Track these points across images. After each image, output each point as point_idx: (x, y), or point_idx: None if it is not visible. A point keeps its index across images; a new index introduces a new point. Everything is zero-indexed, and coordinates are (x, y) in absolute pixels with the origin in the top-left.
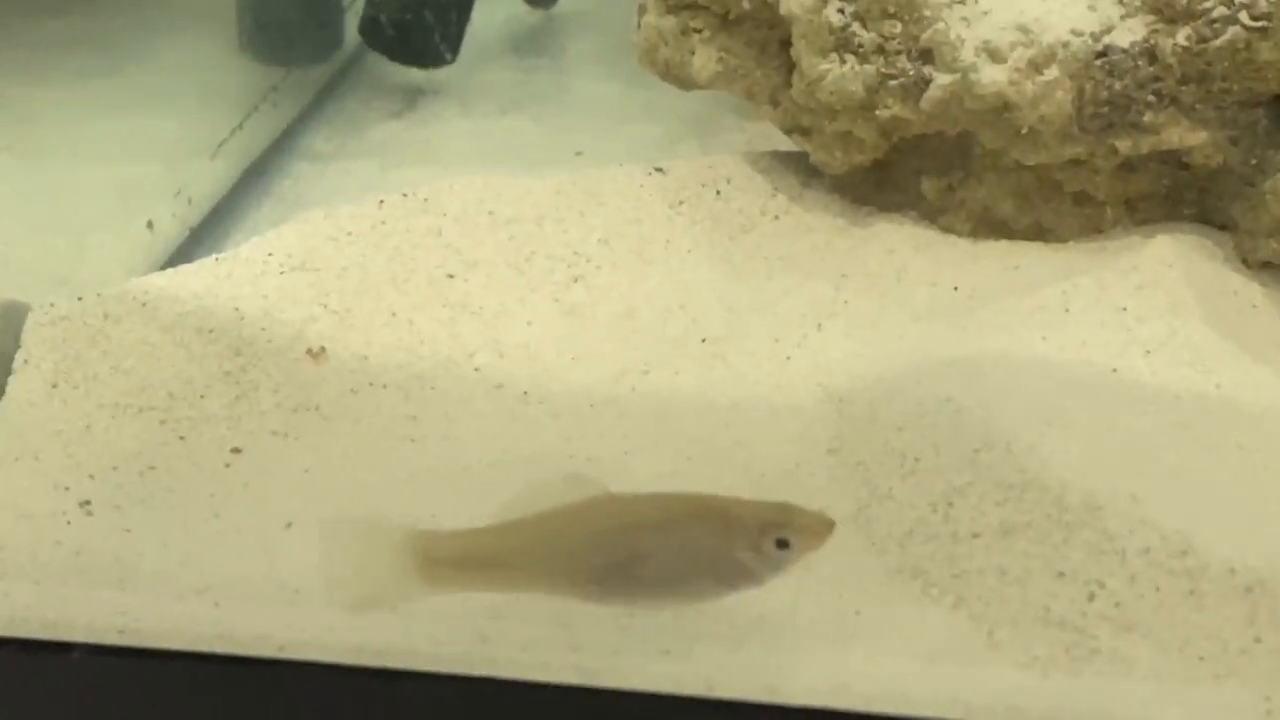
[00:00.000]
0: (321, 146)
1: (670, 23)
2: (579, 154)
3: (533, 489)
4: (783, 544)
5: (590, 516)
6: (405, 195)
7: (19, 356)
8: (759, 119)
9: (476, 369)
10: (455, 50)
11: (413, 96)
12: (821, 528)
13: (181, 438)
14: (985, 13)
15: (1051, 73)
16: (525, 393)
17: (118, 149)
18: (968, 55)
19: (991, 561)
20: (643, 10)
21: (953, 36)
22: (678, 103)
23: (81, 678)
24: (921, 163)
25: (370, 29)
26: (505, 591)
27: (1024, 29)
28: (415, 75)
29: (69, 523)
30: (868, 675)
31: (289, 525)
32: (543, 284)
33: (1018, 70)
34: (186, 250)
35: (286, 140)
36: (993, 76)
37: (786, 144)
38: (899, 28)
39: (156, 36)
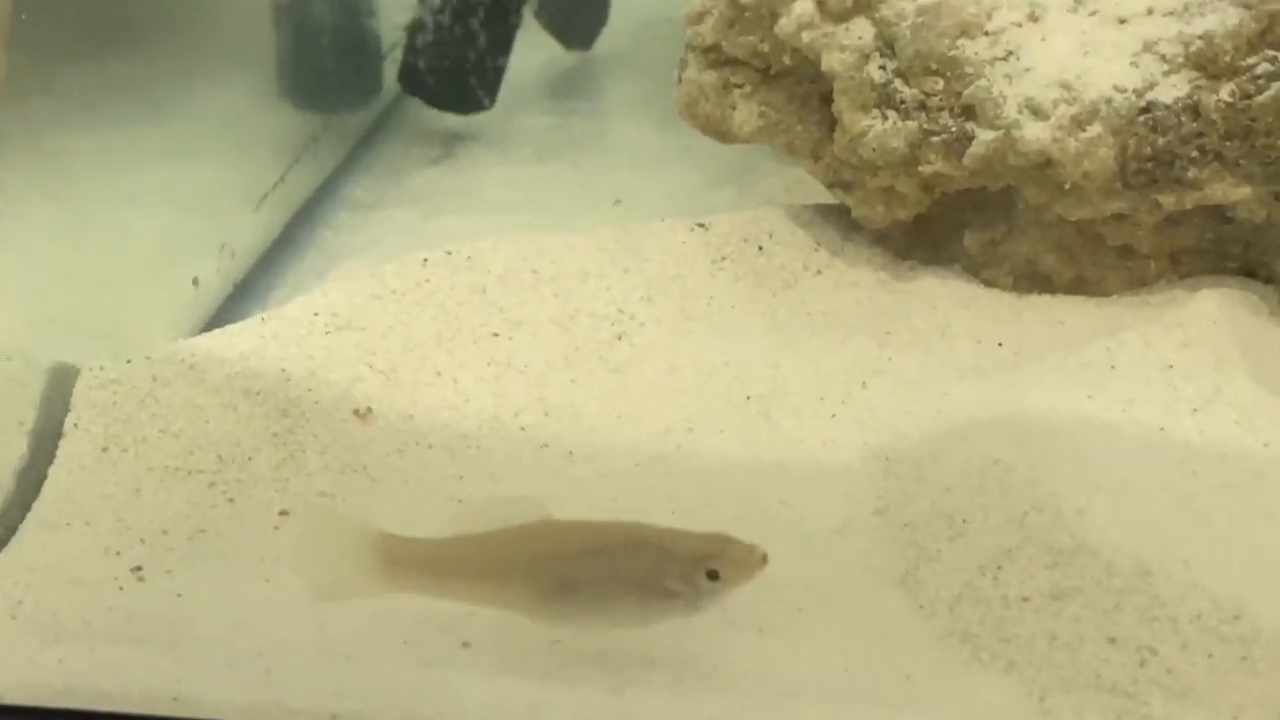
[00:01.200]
0: (362, 195)
1: (711, 78)
2: (618, 202)
3: (480, 507)
4: (713, 575)
5: (534, 539)
6: (449, 253)
7: (69, 420)
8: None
9: (522, 428)
10: (493, 96)
11: (451, 142)
12: (753, 561)
13: (231, 500)
14: (1027, 69)
15: (1095, 129)
16: (571, 452)
17: (161, 199)
18: (1010, 112)
19: (1042, 626)
20: (683, 65)
21: (995, 93)
22: (715, 148)
23: None
24: (963, 216)
25: (409, 75)
26: (458, 601)
27: (1067, 86)
28: (453, 121)
29: (121, 588)
30: None
31: None
32: (587, 342)
33: (1061, 127)
34: (231, 305)
35: (327, 189)
36: (1036, 133)
37: (824, 190)
38: (941, 84)
39: (194, 82)
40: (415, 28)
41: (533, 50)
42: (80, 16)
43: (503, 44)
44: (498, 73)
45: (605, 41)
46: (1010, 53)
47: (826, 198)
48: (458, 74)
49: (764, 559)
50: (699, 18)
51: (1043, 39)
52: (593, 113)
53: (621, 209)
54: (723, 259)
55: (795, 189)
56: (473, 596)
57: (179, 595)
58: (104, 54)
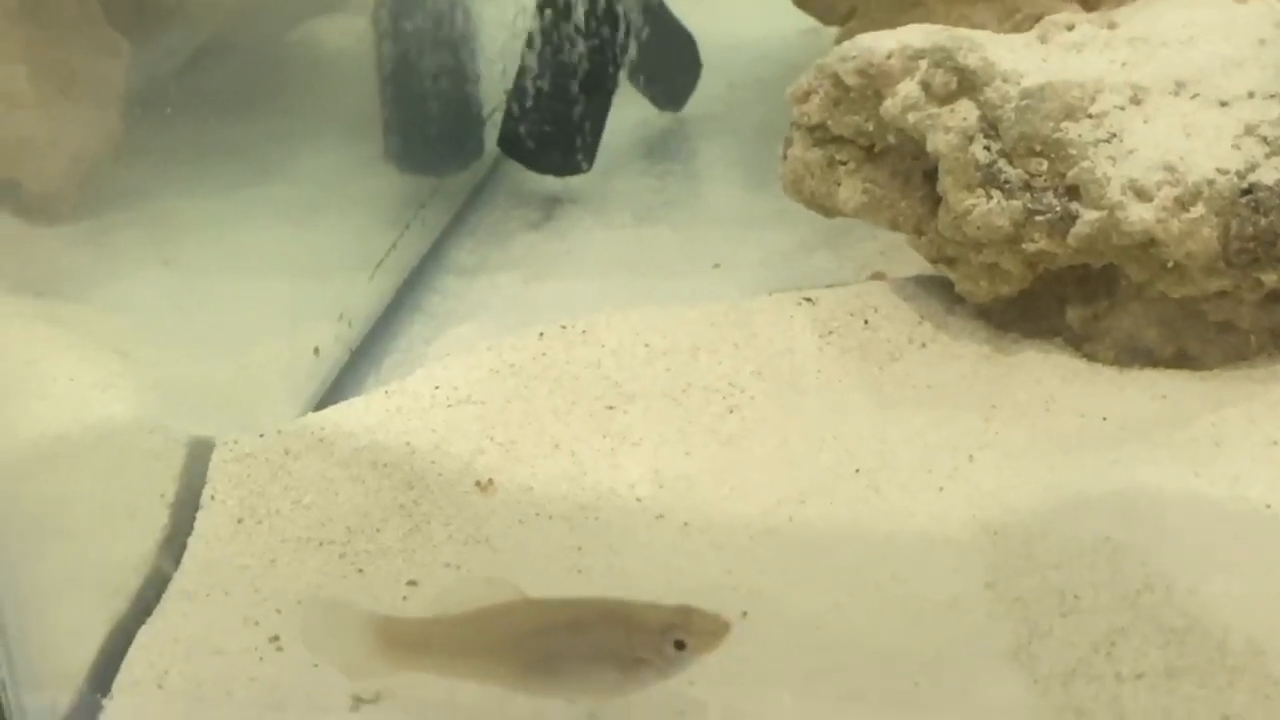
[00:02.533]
0: (466, 259)
1: (816, 155)
2: (717, 266)
3: (459, 587)
4: (680, 645)
5: (513, 617)
6: (564, 327)
7: (206, 492)
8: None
9: (638, 499)
10: (591, 159)
11: (550, 206)
12: (717, 630)
13: (360, 570)
14: (1130, 151)
15: (1198, 210)
16: (686, 524)
17: (277, 265)
18: (1114, 193)
19: (1157, 703)
20: (788, 143)
21: (1099, 174)
22: (807, 211)
23: None
24: (1065, 291)
25: (510, 139)
26: (452, 678)
27: (1170, 168)
28: (552, 184)
29: (261, 659)
30: None
31: None
32: (699, 415)
33: (1164, 208)
34: (347, 373)
35: (434, 254)
36: (1140, 214)
37: (919, 254)
38: (1045, 165)
39: (300, 145)
40: (515, 92)
41: (626, 111)
42: (187, 80)
43: (601, 108)
44: (596, 136)
45: (696, 103)
46: (1114, 135)
47: (922, 263)
48: (557, 138)
49: (727, 627)
50: (805, 96)
51: (1145, 122)
52: (687, 175)
53: (721, 273)
54: (830, 333)
55: (890, 253)
56: (465, 674)
57: (315, 665)
58: (211, 117)
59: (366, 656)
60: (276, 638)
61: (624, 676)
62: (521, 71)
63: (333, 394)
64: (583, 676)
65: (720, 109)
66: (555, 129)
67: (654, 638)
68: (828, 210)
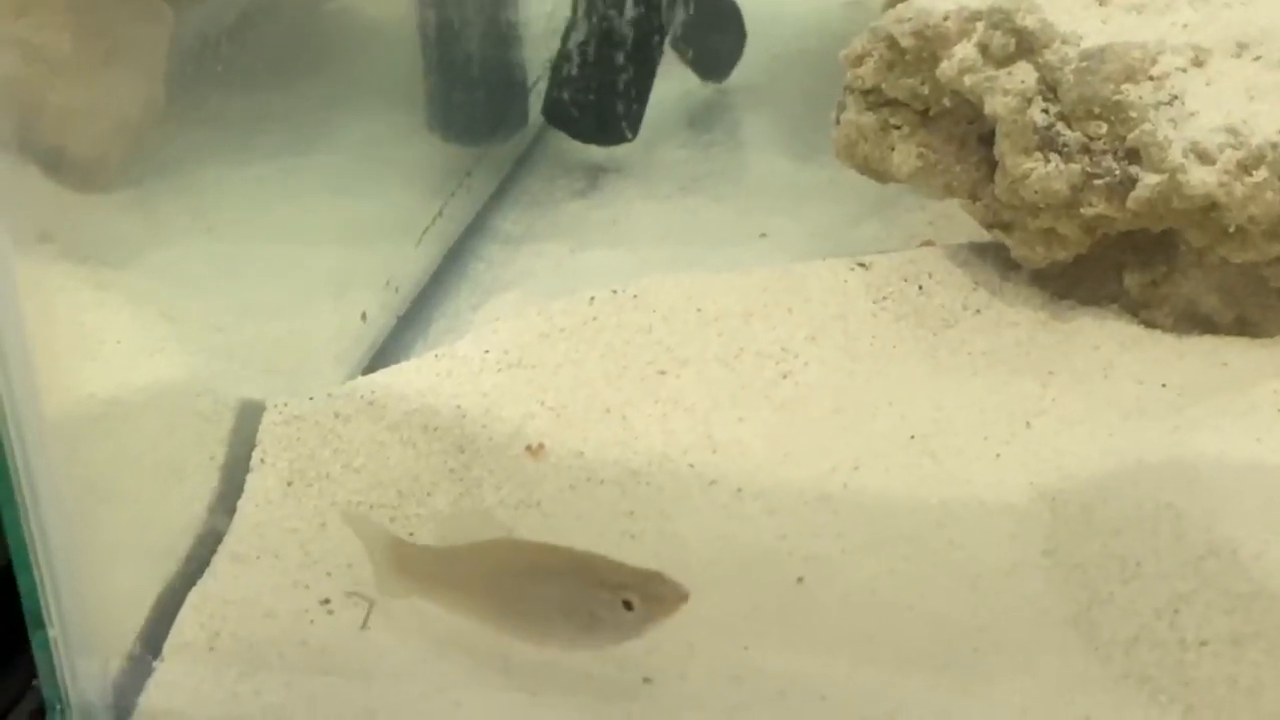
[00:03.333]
0: (511, 228)
1: (870, 119)
2: (763, 236)
3: (452, 520)
4: (628, 605)
5: (491, 555)
6: (615, 291)
7: (255, 455)
8: (939, 198)
9: (691, 465)
10: (635, 128)
11: (595, 175)
12: (673, 599)
13: (411, 535)
14: (1192, 114)
15: (1260, 174)
16: (739, 489)
17: (323, 233)
18: (1176, 156)
19: (1222, 670)
20: (841, 108)
21: (1160, 137)
22: (856, 182)
23: None
24: (1123, 257)
25: (554, 108)
26: (447, 608)
27: (1233, 130)
28: (596, 153)
29: (312, 621)
30: None
31: None
32: (752, 380)
33: (1227, 172)
34: (394, 339)
35: (479, 222)
36: (1202, 178)
37: (970, 225)
38: (1105, 128)
39: (342, 114)
40: (560, 61)
41: (670, 82)
42: (230, 47)
43: (645, 77)
44: (640, 105)
45: (739, 74)
46: (1175, 97)
47: (970, 233)
48: (602, 106)
49: (684, 597)
50: (859, 60)
51: (1207, 84)
52: (732, 145)
53: (767, 243)
54: (883, 298)
55: (938, 223)
56: (454, 606)
57: (366, 629)
58: (254, 85)
59: (386, 577)
60: (327, 600)
61: (580, 630)
62: (566, 40)
63: (379, 360)
64: (545, 623)
65: (763, 80)
66: (600, 98)
67: (607, 595)
68: (881, 175)
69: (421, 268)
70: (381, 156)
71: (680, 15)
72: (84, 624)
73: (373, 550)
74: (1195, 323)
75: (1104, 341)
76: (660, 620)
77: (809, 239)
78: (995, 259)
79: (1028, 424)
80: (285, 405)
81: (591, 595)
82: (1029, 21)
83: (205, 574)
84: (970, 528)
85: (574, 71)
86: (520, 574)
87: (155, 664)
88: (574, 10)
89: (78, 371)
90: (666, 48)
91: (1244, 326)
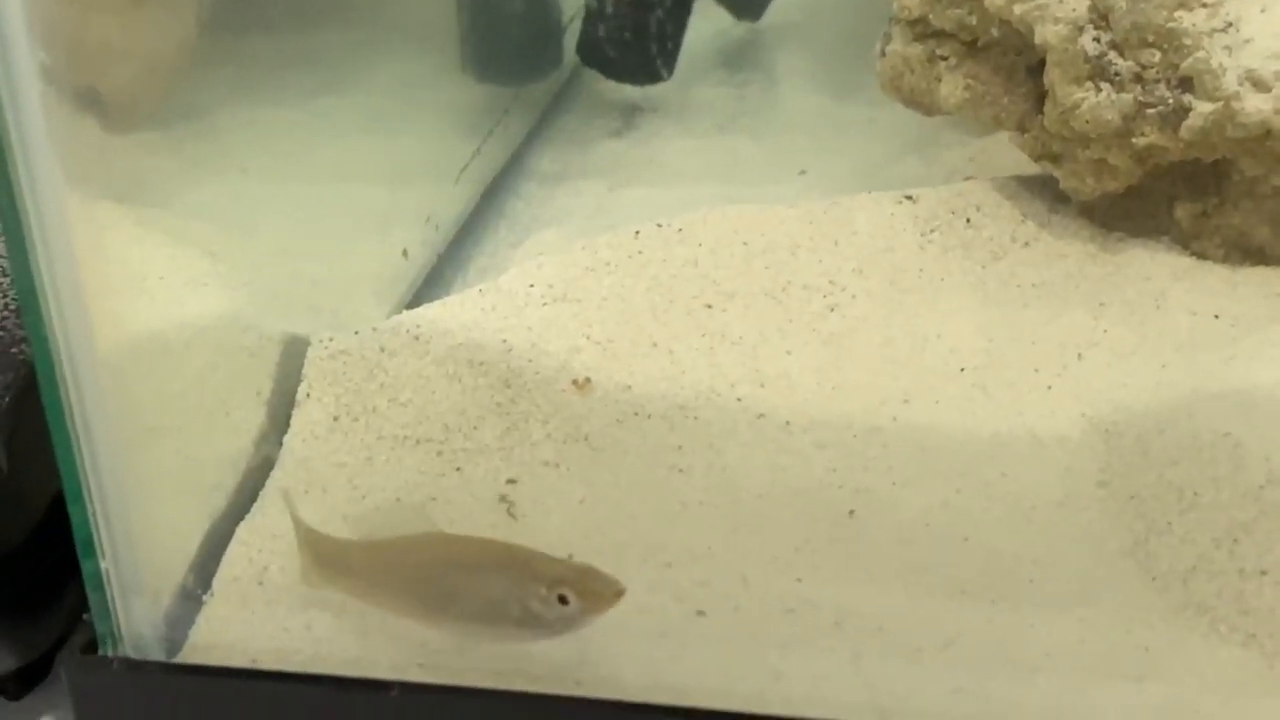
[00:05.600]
0: (548, 167)
1: (917, 50)
2: (803, 173)
3: (374, 513)
4: (563, 600)
5: (419, 550)
6: (660, 225)
7: (301, 390)
8: (980, 135)
9: (738, 399)
10: (671, 67)
11: (631, 114)
12: (609, 595)
13: (458, 469)
14: (1247, 41)
15: None
16: (788, 423)
17: (362, 172)
18: (1230, 84)
19: None
20: (887, 39)
21: (1214, 65)
22: (893, 118)
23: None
24: (1174, 188)
25: (589, 48)
26: (367, 602)
27: None
28: (631, 92)
29: None
30: (1164, 711)
31: (570, 557)
32: (800, 314)
33: None
34: (434, 275)
35: (516, 161)
36: (1257, 105)
37: (1014, 159)
38: (1158, 56)
39: (373, 54)
40: (595, 0)
41: (704, 22)
42: None
43: (680, 16)
44: (676, 44)
45: (774, 12)
46: (1229, 24)
47: (1012, 168)
48: (637, 46)
49: (620, 592)
50: None
51: (1262, 10)
52: (768, 84)
53: (806, 180)
54: (931, 231)
55: (979, 159)
56: (377, 600)
57: None
58: (286, 26)
59: (305, 568)
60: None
61: (514, 624)
62: None
63: (421, 296)
64: (477, 618)
65: (799, 18)
66: (635, 37)
67: (543, 589)
68: (928, 108)
69: (461, 206)
70: (415, 98)
71: None
72: (135, 557)
73: (298, 540)
74: (1247, 254)
75: (1155, 273)
76: (596, 615)
77: (849, 176)
78: (1043, 191)
79: (1079, 355)
80: (330, 340)
81: (526, 589)
82: None
83: (253, 509)
84: (1023, 460)
85: (609, 10)
86: (452, 568)
87: (205, 598)
88: None
89: (125, 307)
90: None
91: None
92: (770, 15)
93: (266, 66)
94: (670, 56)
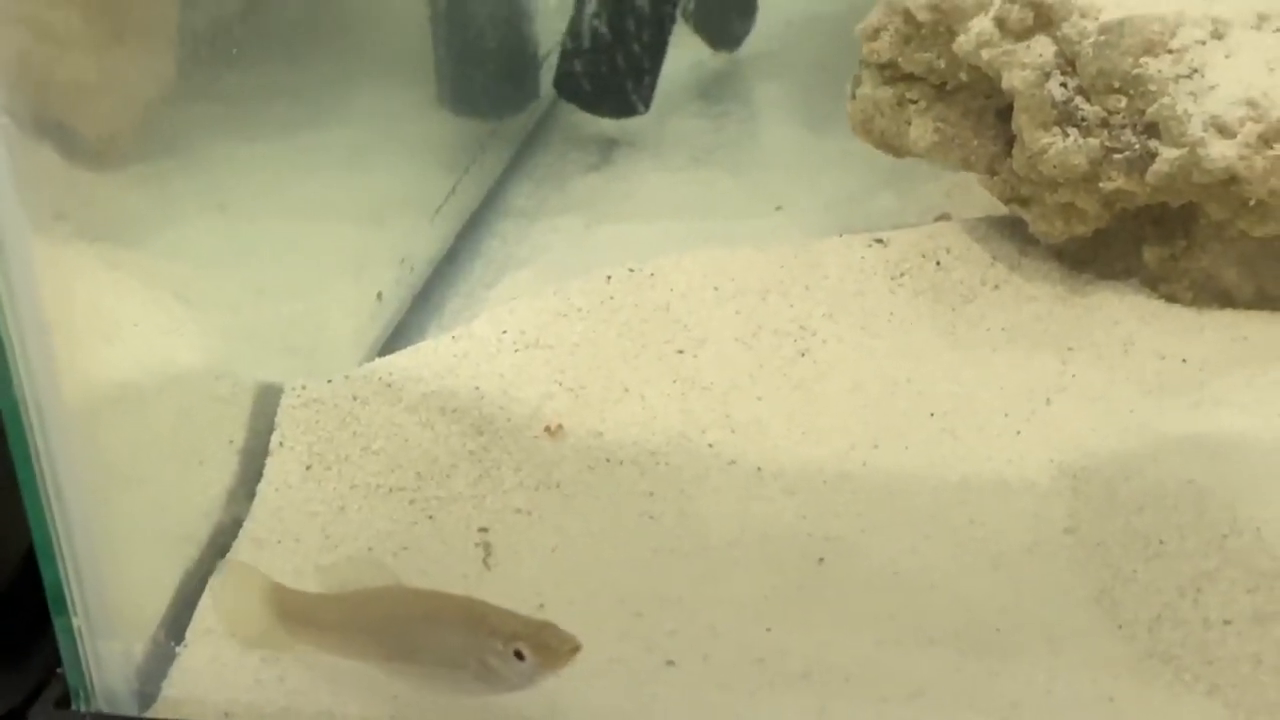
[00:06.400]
0: (524, 203)
1: (887, 94)
2: (779, 208)
3: (337, 567)
4: (519, 656)
5: (381, 603)
6: (631, 270)
7: (274, 438)
8: (954, 169)
9: (710, 444)
10: (648, 100)
11: (608, 148)
12: (565, 651)
13: (431, 517)
14: (1212, 87)
15: None
16: (759, 469)
17: (333, 209)
18: (1195, 130)
19: (1246, 650)
20: (857, 82)
21: (1179, 111)
22: (870, 152)
23: None
24: (1142, 231)
25: (566, 81)
26: (336, 655)
27: (1253, 104)
28: (608, 125)
29: None
30: None
31: (541, 606)
32: (771, 359)
33: (1247, 145)
34: (409, 317)
35: (492, 198)
36: (1222, 151)
37: (985, 195)
38: (1124, 102)
39: (353, 88)
40: (571, 33)
41: (681, 52)
42: (238, 21)
43: (657, 49)
44: (653, 77)
45: (751, 41)
46: (1194, 70)
47: (987, 203)
48: (614, 79)
49: (576, 648)
50: (874, 34)
51: (1226, 57)
52: (745, 116)
53: (783, 215)
54: (901, 274)
55: (954, 194)
56: (346, 652)
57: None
58: (263, 58)
59: (267, 627)
60: None
61: (473, 677)
62: (577, 11)
63: (395, 339)
64: (437, 670)
65: (776, 48)
66: (611, 70)
67: (500, 645)
68: (898, 150)
69: (436, 245)
70: (392, 132)
71: None
72: (106, 610)
73: (251, 597)
74: (1214, 296)
75: (1124, 316)
76: (551, 671)
77: (824, 211)
78: (1013, 233)
79: (1048, 400)
80: (303, 388)
81: (484, 644)
82: None
83: (227, 559)
84: (991, 505)
85: (585, 44)
86: (411, 621)
87: (179, 650)
88: None
89: (95, 354)
90: (678, 18)
91: (1264, 300)
92: (747, 45)
93: (243, 100)
94: (647, 89)
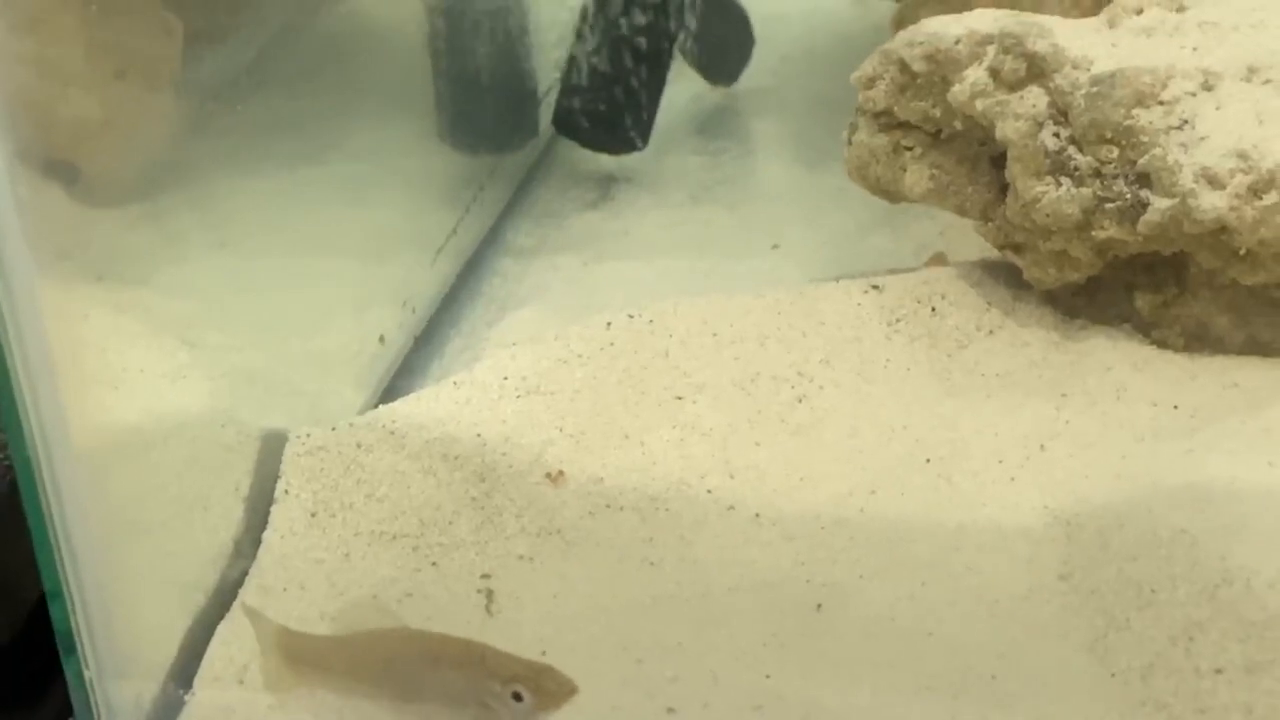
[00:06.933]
0: (524, 241)
1: (882, 141)
2: (776, 247)
3: (345, 609)
4: (517, 697)
5: (386, 644)
6: (631, 316)
7: (279, 486)
8: None
9: (709, 490)
10: (646, 137)
11: (606, 185)
12: (561, 692)
13: (434, 564)
14: (1202, 138)
15: (1271, 197)
16: (757, 515)
17: (336, 249)
18: (1186, 181)
19: (1237, 699)
20: (853, 129)
21: (1171, 161)
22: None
23: None
24: (1134, 278)
25: (564, 118)
26: (340, 696)
27: (1243, 155)
28: (606, 162)
29: None
30: None
31: (543, 653)
32: (768, 405)
33: (1237, 196)
34: (411, 359)
35: (492, 236)
36: (1213, 202)
37: (978, 235)
38: (1115, 152)
39: (354, 122)
40: (570, 70)
41: (678, 86)
42: (241, 57)
43: (655, 86)
44: (650, 114)
45: (748, 76)
46: (1185, 122)
47: (982, 243)
48: (612, 116)
49: (573, 691)
50: (870, 83)
51: (1217, 108)
52: (742, 152)
53: (780, 254)
54: (897, 320)
55: (949, 233)
56: (353, 693)
57: None
58: (265, 95)
59: (275, 669)
60: None
61: (473, 718)
62: (575, 48)
63: (398, 381)
64: (439, 711)
65: (772, 82)
66: (610, 107)
67: (498, 686)
68: (893, 196)
69: (437, 285)
70: (392, 167)
71: (689, 21)
72: (116, 656)
73: (262, 641)
74: (1206, 343)
75: (1116, 362)
76: (549, 713)
77: (821, 249)
78: (1007, 278)
79: (1042, 447)
80: (308, 436)
81: (482, 686)
82: (1040, 46)
83: (233, 606)
84: (986, 552)
85: (584, 80)
86: (413, 663)
87: (186, 696)
88: (583, 19)
89: (103, 401)
90: (675, 53)
91: (1254, 347)
92: (744, 79)
93: (248, 134)
94: (645, 126)
